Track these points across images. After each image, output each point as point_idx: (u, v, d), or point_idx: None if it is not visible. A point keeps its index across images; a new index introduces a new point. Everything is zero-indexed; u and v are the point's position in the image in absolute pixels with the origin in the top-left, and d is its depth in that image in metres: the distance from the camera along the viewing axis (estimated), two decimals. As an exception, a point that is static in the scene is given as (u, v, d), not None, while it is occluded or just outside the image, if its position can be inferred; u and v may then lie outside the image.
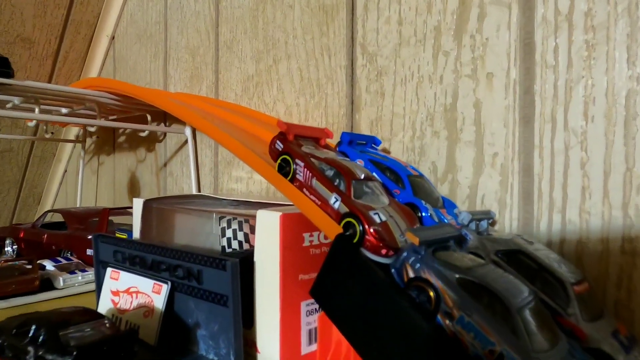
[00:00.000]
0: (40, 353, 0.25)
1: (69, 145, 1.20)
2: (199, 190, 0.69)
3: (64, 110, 0.70)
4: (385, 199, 0.28)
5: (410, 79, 0.41)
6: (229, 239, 0.38)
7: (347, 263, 0.25)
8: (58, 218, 0.73)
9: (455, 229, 0.26)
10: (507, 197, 0.34)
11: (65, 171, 1.24)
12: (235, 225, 0.38)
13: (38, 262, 0.54)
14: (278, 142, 0.31)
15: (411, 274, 0.22)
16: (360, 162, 0.34)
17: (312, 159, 0.29)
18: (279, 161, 0.31)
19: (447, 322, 0.21)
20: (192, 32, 0.70)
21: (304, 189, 0.29)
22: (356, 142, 0.37)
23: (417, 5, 0.40)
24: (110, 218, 0.67)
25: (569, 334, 0.24)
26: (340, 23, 0.47)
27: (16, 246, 0.68)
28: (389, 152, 0.43)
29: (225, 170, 0.64)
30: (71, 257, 0.57)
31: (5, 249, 0.67)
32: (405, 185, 0.32)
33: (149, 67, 0.83)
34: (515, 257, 0.26)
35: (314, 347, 0.34)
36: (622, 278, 0.29)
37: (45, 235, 0.63)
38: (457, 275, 0.21)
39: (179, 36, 0.74)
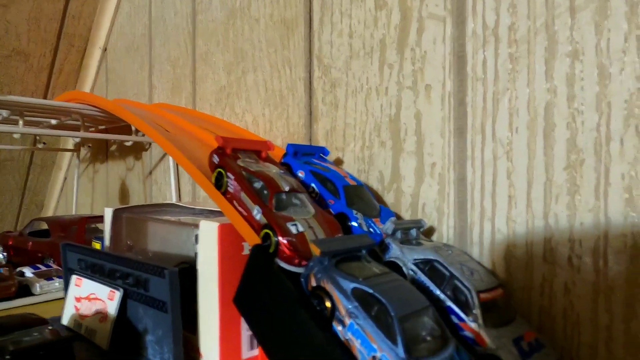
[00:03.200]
0: (-19, 357, 0.27)
1: (68, 154, 1.23)
2: (179, 198, 0.71)
3: (53, 122, 0.73)
4: (311, 210, 0.29)
5: (360, 90, 0.42)
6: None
7: (262, 273, 0.26)
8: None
9: (368, 240, 0.27)
10: (445, 206, 0.35)
11: (65, 178, 1.28)
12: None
13: (19, 269, 0.56)
14: (215, 155, 0.33)
15: (314, 283, 0.24)
16: (301, 174, 0.35)
17: (244, 172, 0.31)
18: (214, 174, 0.32)
19: (340, 328, 0.22)
20: (173, 44, 0.72)
21: (234, 201, 0.30)
22: (301, 154, 0.38)
23: (365, 19, 0.41)
24: (96, 225, 0.69)
25: (470, 340, 0.24)
26: (299, 36, 0.49)
27: (5, 253, 0.70)
28: (342, 162, 0.44)
29: (202, 179, 0.66)
30: (51, 265, 0.59)
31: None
32: (340, 195, 0.33)
33: (136, 79, 0.85)
34: (431, 265, 0.27)
35: (256, 352, 0.35)
36: (544, 286, 0.29)
37: (30, 243, 0.66)
38: (352, 286, 0.22)
39: (161, 48, 0.76)
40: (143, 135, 0.72)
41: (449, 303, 0.26)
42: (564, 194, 0.28)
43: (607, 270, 0.27)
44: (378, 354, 0.20)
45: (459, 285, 0.26)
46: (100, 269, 0.40)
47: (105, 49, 0.98)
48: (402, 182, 0.38)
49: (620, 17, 0.26)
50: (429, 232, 0.36)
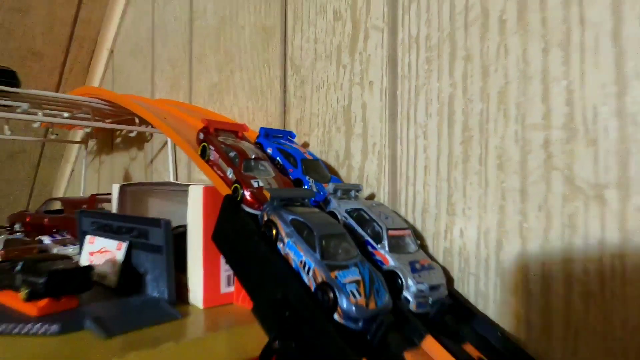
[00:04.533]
0: (24, 278, 0.37)
1: (76, 148, 1.33)
2: (177, 181, 0.80)
3: (65, 115, 0.82)
4: (272, 173, 0.39)
5: (322, 86, 0.51)
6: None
7: (232, 214, 0.35)
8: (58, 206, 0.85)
9: (309, 192, 0.36)
10: (382, 177, 0.45)
11: (73, 170, 1.38)
12: (180, 200, 0.49)
13: (38, 237, 0.66)
14: (201, 133, 0.42)
15: (265, 218, 0.33)
16: (269, 150, 0.45)
17: (223, 146, 0.40)
18: (200, 147, 0.42)
19: (281, 246, 0.31)
20: (172, 47, 0.82)
21: (214, 167, 0.40)
22: (272, 136, 0.48)
23: (326, 28, 0.51)
24: (102, 205, 0.79)
25: (379, 261, 0.34)
26: (276, 41, 0.58)
27: (23, 229, 0.80)
28: (308, 144, 0.53)
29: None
30: (66, 235, 0.69)
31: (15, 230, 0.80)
32: (298, 166, 0.43)
33: (140, 77, 0.95)
34: (358, 213, 0.37)
35: (232, 288, 0.44)
36: (447, 232, 0.39)
37: (46, 219, 0.75)
38: (291, 217, 0.32)
39: (162, 50, 0.86)
40: (146, 126, 0.82)
41: (367, 237, 0.35)
42: (460, 162, 0.38)
43: (486, 216, 0.36)
44: (304, 259, 0.30)
45: (375, 225, 0.35)
46: (109, 228, 0.50)
47: (112, 51, 1.08)
48: (352, 159, 0.48)
49: (495, 31, 0.36)
50: (371, 198, 0.45)
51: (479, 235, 0.37)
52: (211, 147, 0.40)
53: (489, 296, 0.36)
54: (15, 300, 0.38)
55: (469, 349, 0.31)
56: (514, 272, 0.34)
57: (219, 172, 0.39)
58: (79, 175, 1.30)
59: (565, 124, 0.32)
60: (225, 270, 0.44)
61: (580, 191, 0.31)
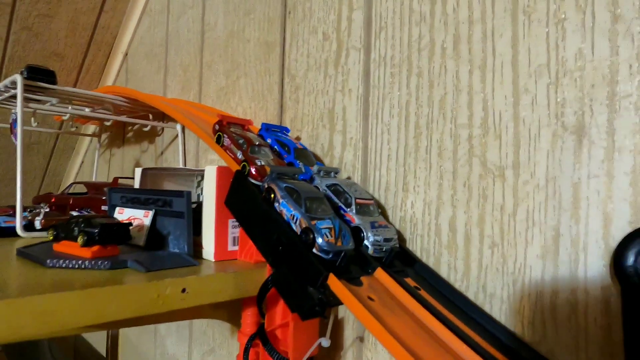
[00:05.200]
0: (82, 229, 0.49)
1: (86, 142, 1.44)
2: (185, 171, 0.92)
3: (87, 110, 0.94)
4: (270, 156, 0.52)
5: (312, 92, 0.64)
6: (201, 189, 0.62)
7: (241, 185, 0.48)
8: (79, 191, 0.96)
9: (299, 170, 0.49)
10: (356, 164, 0.57)
11: (82, 162, 1.49)
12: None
13: (69, 212, 0.78)
14: (216, 125, 0.55)
15: (266, 186, 0.46)
16: (269, 140, 0.58)
17: (234, 135, 0.53)
18: (216, 135, 0.54)
19: (277, 205, 0.44)
20: (185, 54, 0.95)
21: (227, 150, 0.52)
22: (271, 130, 0.60)
23: (317, 46, 0.64)
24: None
25: (348, 220, 0.46)
26: (276, 54, 0.71)
27: (48, 209, 0.91)
28: (300, 138, 0.66)
29: (203, 155, 0.88)
30: (90, 212, 0.81)
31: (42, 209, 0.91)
32: (291, 152, 0.55)
33: (153, 79, 1.07)
34: (335, 187, 0.49)
35: (236, 247, 0.57)
36: (402, 204, 0.51)
37: (72, 199, 0.87)
38: (284, 185, 0.44)
39: (175, 56, 0.98)
40: (160, 121, 0.94)
41: (340, 204, 0.48)
42: (412, 152, 0.51)
43: (430, 192, 0.49)
44: (293, 213, 0.42)
45: (347, 195, 0.48)
46: (137, 200, 0.62)
47: (126, 54, 1.20)
48: (334, 150, 0.60)
49: (438, 55, 0.49)
50: (348, 179, 0.58)
51: (424, 206, 0.49)
52: (225, 135, 0.53)
53: (430, 250, 0.48)
54: (72, 247, 0.50)
55: (409, 281, 0.43)
56: (447, 231, 0.47)
57: (230, 154, 0.51)
58: (89, 166, 1.41)
59: (482, 124, 0.44)
60: (232, 233, 0.56)
61: (490, 171, 0.44)
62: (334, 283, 0.38)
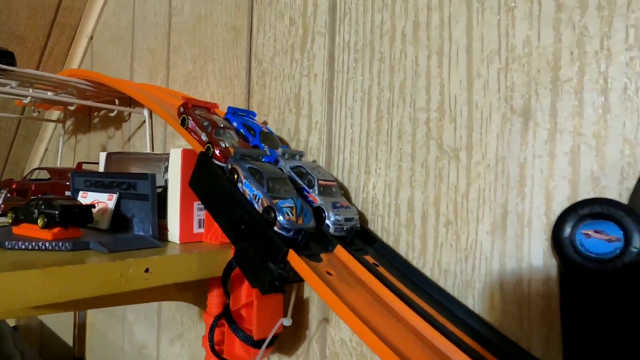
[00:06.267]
0: (42, 210, 0.48)
1: (50, 128, 1.40)
2: (153, 157, 0.91)
3: (49, 94, 0.92)
4: (235, 138, 0.52)
5: (279, 77, 0.65)
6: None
7: (205, 166, 0.48)
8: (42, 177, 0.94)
9: (263, 152, 0.50)
10: (322, 147, 0.58)
11: (47, 149, 1.44)
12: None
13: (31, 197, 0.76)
14: (181, 107, 0.55)
15: (229, 167, 0.46)
16: (235, 124, 0.58)
17: (199, 117, 0.53)
18: (180, 118, 0.54)
19: (240, 185, 0.44)
20: (152, 38, 0.93)
21: (191, 132, 0.52)
22: (238, 113, 0.61)
23: (283, 31, 0.64)
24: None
25: (310, 201, 0.48)
26: (244, 39, 0.71)
27: (9, 195, 0.89)
28: (267, 122, 0.66)
29: (171, 141, 0.87)
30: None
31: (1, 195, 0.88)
32: (256, 135, 0.56)
33: (119, 63, 1.05)
34: (298, 169, 0.50)
35: (202, 230, 0.57)
36: (364, 186, 0.53)
37: (33, 185, 0.85)
38: (247, 165, 0.45)
39: (142, 40, 0.97)
40: (127, 106, 0.93)
41: (303, 185, 0.49)
42: (374, 135, 0.52)
43: (390, 173, 0.50)
44: (255, 192, 0.43)
45: (310, 177, 0.49)
46: (101, 183, 0.61)
47: (91, 37, 1.17)
48: (300, 135, 0.61)
49: (399, 41, 0.50)
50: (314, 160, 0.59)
51: (385, 187, 0.51)
52: (189, 117, 0.53)
53: (390, 230, 0.50)
54: (32, 230, 0.50)
55: (368, 258, 0.45)
56: (406, 211, 0.49)
57: (195, 136, 0.52)
58: (53, 153, 1.38)
59: (439, 108, 0.46)
60: (197, 215, 0.57)
61: (446, 153, 0.46)
62: (294, 259, 0.39)
